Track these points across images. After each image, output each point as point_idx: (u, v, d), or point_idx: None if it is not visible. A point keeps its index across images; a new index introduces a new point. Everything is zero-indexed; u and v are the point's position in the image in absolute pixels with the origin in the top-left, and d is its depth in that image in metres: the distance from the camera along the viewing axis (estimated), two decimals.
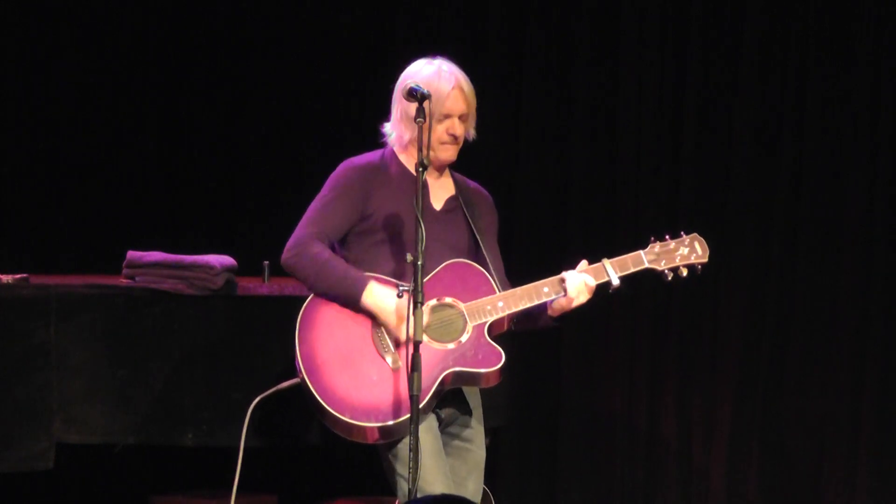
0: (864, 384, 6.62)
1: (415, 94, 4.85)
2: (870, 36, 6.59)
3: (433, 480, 4.84)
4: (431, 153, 4.97)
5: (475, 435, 5.11)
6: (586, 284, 4.97)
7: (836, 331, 6.65)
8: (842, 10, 6.64)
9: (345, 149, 7.18)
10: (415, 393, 4.64)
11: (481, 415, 5.16)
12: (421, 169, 4.80)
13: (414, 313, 4.69)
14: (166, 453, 6.32)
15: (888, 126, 6.60)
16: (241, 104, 7.55)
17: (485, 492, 5.15)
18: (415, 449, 4.64)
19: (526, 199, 7.05)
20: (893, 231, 6.60)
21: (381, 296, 4.92)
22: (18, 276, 5.62)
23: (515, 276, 5.27)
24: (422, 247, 4.73)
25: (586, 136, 6.99)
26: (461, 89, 5.02)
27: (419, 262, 4.72)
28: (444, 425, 5.07)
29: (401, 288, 4.82)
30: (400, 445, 4.90)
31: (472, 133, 5.11)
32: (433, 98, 4.92)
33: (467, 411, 5.10)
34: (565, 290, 4.96)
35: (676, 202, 6.86)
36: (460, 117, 5.04)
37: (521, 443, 6.99)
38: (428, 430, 4.91)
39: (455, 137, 5.05)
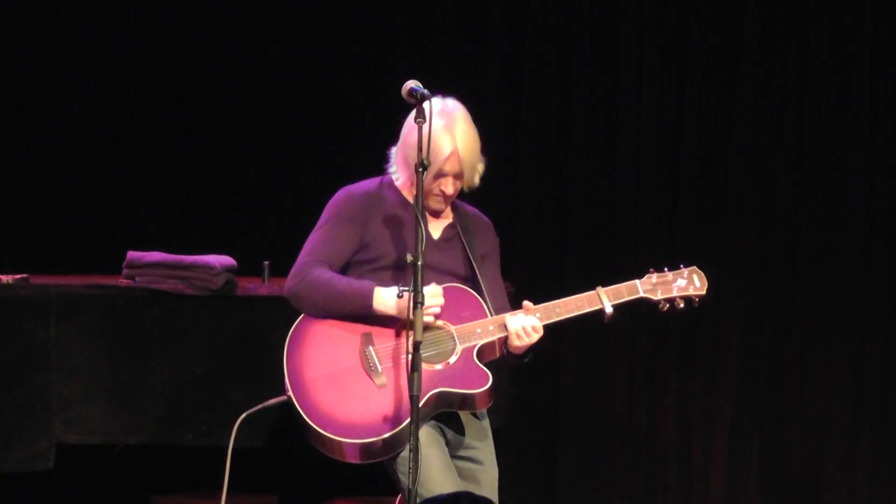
0: (864, 384, 6.61)
1: (414, 95, 4.85)
2: (870, 36, 6.59)
3: (440, 492, 4.82)
4: (422, 198, 4.94)
5: (485, 455, 5.11)
6: (532, 327, 4.97)
7: (836, 331, 6.65)
8: (841, 11, 6.63)
9: (344, 149, 7.21)
10: (415, 393, 4.65)
11: (489, 433, 5.15)
12: (420, 169, 4.81)
13: (414, 313, 4.70)
14: (166, 453, 6.33)
15: (888, 126, 6.60)
16: (242, 104, 7.55)
17: None
18: (415, 449, 4.64)
19: (525, 211, 7.04)
20: (893, 231, 6.60)
21: (391, 297, 4.94)
22: (18, 276, 5.62)
23: (515, 292, 5.27)
24: (422, 247, 4.73)
25: (586, 141, 6.98)
26: (458, 154, 5.01)
27: (419, 262, 4.73)
28: (451, 448, 5.06)
29: (401, 289, 4.83)
30: (405, 461, 4.88)
31: (475, 182, 5.11)
32: (434, 152, 4.91)
33: (473, 431, 5.09)
34: (508, 330, 4.98)
35: (677, 202, 6.85)
36: (455, 176, 5.05)
37: (521, 443, 6.99)
38: (433, 443, 4.91)
39: (444, 194, 5.07)
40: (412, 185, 4.99)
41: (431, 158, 4.89)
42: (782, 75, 6.72)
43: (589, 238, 6.96)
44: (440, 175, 5.03)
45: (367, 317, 4.99)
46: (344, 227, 5.06)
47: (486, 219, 5.28)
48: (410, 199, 5.10)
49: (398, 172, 5.13)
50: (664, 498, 6.85)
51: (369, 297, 4.95)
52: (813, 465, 6.67)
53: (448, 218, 5.19)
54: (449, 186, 5.06)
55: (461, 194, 5.18)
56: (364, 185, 5.17)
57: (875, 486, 6.59)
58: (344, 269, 5.09)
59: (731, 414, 6.76)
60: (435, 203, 5.10)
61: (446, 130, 5.00)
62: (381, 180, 5.18)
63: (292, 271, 5.04)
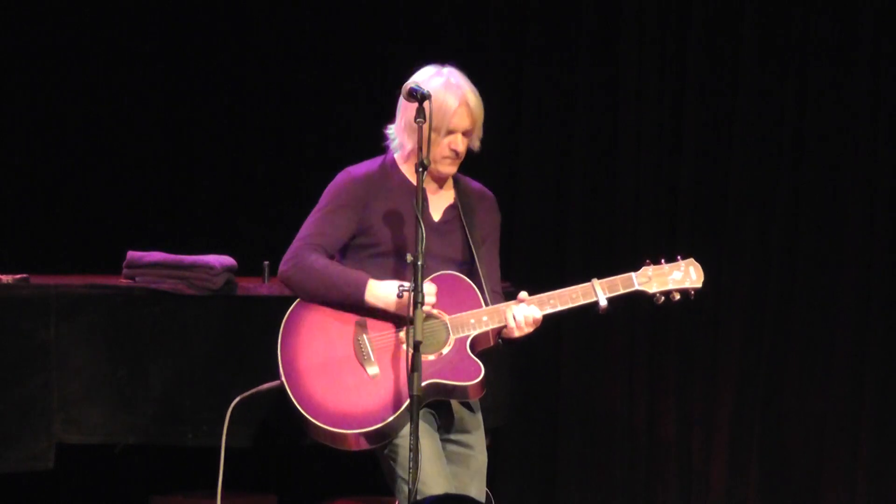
0: (864, 384, 6.61)
1: (415, 95, 4.84)
2: (870, 37, 6.60)
3: (433, 483, 4.83)
4: (433, 166, 4.96)
5: (475, 440, 5.10)
6: (534, 318, 4.95)
7: (836, 331, 6.65)
8: (841, 13, 6.63)
9: (344, 148, 7.20)
10: (415, 393, 4.64)
11: (481, 419, 5.15)
12: (421, 169, 4.80)
13: (414, 313, 4.69)
14: (166, 453, 6.33)
15: (888, 126, 6.60)
16: (242, 104, 7.55)
17: (486, 494, 5.14)
18: (415, 449, 4.64)
19: (525, 205, 7.04)
20: (893, 231, 6.60)
21: (383, 291, 4.92)
22: (18, 276, 5.62)
23: (514, 284, 5.25)
24: (422, 247, 4.72)
25: (587, 139, 6.99)
26: (467, 105, 5.00)
27: (419, 262, 4.72)
28: (443, 431, 5.05)
29: (401, 288, 4.83)
30: (399, 449, 4.89)
31: (476, 145, 5.09)
32: (439, 113, 4.91)
33: (465, 417, 5.09)
34: (507, 321, 4.96)
35: (677, 201, 6.85)
36: (464, 133, 5.02)
37: (521, 443, 6.99)
38: (424, 433, 4.89)
39: (457, 153, 5.04)
40: (415, 151, 4.92)
41: (438, 118, 4.90)
42: (782, 75, 6.72)
43: (589, 236, 6.96)
44: (450, 132, 4.99)
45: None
46: (343, 211, 5.03)
47: (489, 193, 5.24)
48: (412, 178, 5.05)
49: (402, 142, 5.05)
50: (664, 497, 6.85)
51: (362, 287, 4.92)
52: (813, 465, 6.67)
53: (449, 198, 5.15)
54: (459, 143, 5.01)
55: (463, 168, 5.16)
56: (366, 165, 5.13)
57: (875, 486, 6.59)
58: (342, 254, 5.08)
59: (731, 413, 6.76)
60: (445, 167, 5.05)
61: (447, 88, 4.98)
62: (384, 160, 5.13)
63: (287, 254, 5.02)
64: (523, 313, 4.95)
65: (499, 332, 5.01)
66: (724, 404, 6.77)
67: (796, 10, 6.69)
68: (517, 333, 4.97)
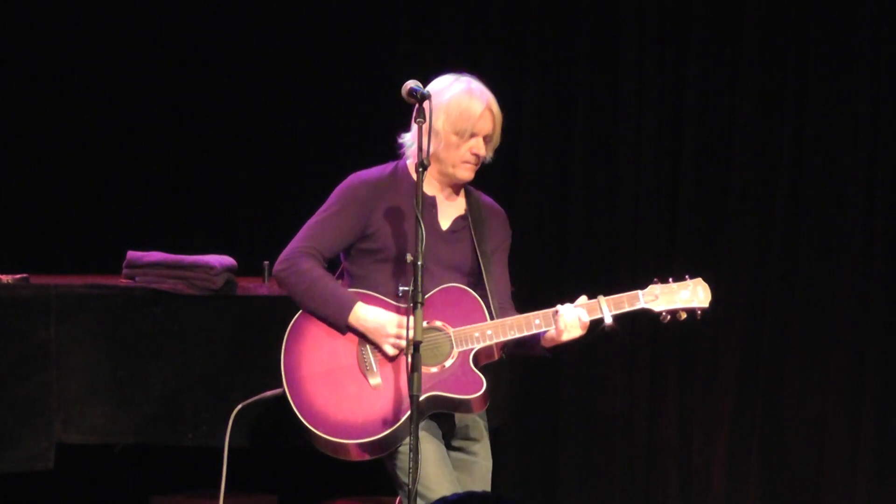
0: (864, 384, 6.61)
1: (414, 95, 4.82)
2: (869, 38, 6.60)
3: (437, 488, 4.82)
4: (451, 170, 4.96)
5: (479, 448, 5.10)
6: (580, 319, 4.90)
7: (836, 331, 6.65)
8: (841, 14, 6.64)
9: (345, 149, 7.22)
10: (415, 392, 4.64)
11: (486, 426, 5.14)
12: (421, 170, 4.78)
13: (413, 313, 4.68)
14: (166, 453, 6.33)
15: (888, 125, 6.60)
16: (242, 104, 7.55)
17: None
18: (415, 449, 4.63)
19: (525, 207, 7.04)
20: (893, 231, 6.60)
21: (367, 315, 4.92)
22: (18, 276, 5.63)
23: (514, 292, 5.25)
24: (422, 247, 4.71)
25: (587, 142, 6.99)
26: (491, 110, 4.99)
27: (419, 263, 4.71)
28: (447, 438, 5.05)
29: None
30: (401, 456, 4.88)
31: (489, 156, 5.07)
32: (463, 116, 4.92)
33: (469, 425, 5.08)
34: (556, 323, 4.90)
35: (676, 202, 6.85)
36: (485, 138, 5.01)
37: (521, 443, 6.99)
38: (429, 438, 4.89)
39: (478, 157, 5.02)
40: (434, 155, 4.92)
41: (461, 122, 4.90)
42: (782, 74, 6.72)
43: (589, 239, 6.96)
44: (472, 136, 4.97)
45: None
46: (346, 216, 5.00)
47: (501, 209, 5.22)
48: (426, 185, 5.02)
49: (417, 141, 4.90)
50: (664, 498, 6.85)
51: (349, 308, 4.91)
52: (813, 465, 6.67)
53: (460, 208, 5.13)
54: (482, 147, 4.99)
55: (475, 183, 5.15)
56: (376, 171, 5.09)
57: (875, 486, 6.59)
58: (348, 254, 5.06)
59: (731, 414, 6.76)
60: (464, 172, 5.02)
61: (470, 93, 4.98)
62: (396, 166, 5.11)
63: (284, 254, 5.00)
64: (573, 315, 4.90)
65: (503, 345, 4.99)
66: (724, 404, 6.77)
67: (796, 10, 6.69)
68: (565, 336, 4.91)
